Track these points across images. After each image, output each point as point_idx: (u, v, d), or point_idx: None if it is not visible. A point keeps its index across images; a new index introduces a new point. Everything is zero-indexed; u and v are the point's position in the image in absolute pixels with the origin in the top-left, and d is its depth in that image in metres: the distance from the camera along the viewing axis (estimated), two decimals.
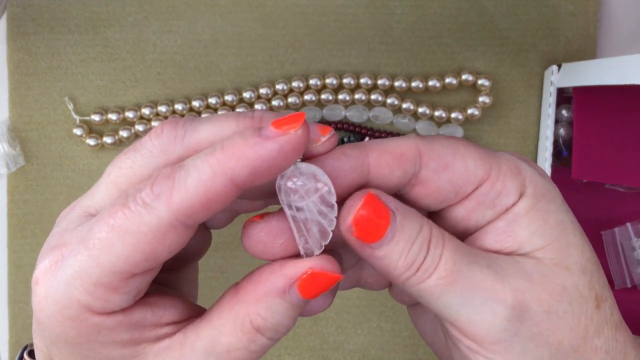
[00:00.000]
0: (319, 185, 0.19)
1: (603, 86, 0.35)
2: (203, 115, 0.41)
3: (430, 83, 0.41)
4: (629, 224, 0.41)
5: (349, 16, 0.42)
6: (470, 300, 0.20)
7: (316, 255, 0.20)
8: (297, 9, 0.42)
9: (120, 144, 0.42)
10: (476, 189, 0.21)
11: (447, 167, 0.21)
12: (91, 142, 0.41)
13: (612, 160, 0.39)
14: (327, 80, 0.41)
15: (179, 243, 0.19)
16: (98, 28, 0.41)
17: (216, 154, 0.18)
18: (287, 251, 0.21)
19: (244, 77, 0.42)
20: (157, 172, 0.19)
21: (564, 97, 0.42)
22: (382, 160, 0.21)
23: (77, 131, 0.41)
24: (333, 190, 0.20)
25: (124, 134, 0.41)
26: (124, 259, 0.18)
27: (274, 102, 0.42)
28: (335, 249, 0.23)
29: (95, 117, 0.41)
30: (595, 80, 0.35)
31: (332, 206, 0.20)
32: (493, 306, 0.20)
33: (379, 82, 0.41)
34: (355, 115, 0.42)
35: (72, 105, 0.41)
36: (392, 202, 0.20)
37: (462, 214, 0.21)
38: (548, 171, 0.40)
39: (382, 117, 0.42)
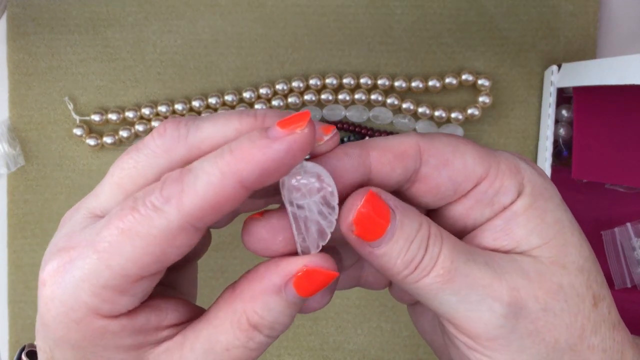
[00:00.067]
0: (323, 185, 0.20)
1: (603, 86, 0.34)
2: (203, 115, 0.41)
3: (430, 83, 0.41)
4: (629, 224, 0.41)
5: (349, 16, 0.42)
6: (467, 297, 0.20)
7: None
8: (297, 9, 0.42)
9: (121, 144, 0.42)
10: (475, 186, 0.21)
11: (446, 164, 0.21)
12: (91, 142, 0.41)
13: (612, 160, 0.39)
14: (327, 80, 0.41)
15: (188, 245, 0.19)
16: (98, 28, 0.41)
17: (225, 157, 0.18)
18: (287, 248, 0.21)
19: (244, 77, 0.42)
20: (165, 176, 0.19)
21: (564, 97, 0.42)
22: (383, 158, 0.21)
23: (77, 131, 0.41)
24: (336, 192, 0.20)
25: (124, 134, 0.41)
26: (134, 261, 0.18)
27: (274, 102, 0.42)
28: (335, 247, 0.23)
29: (95, 117, 0.41)
30: (595, 80, 0.35)
31: (333, 208, 0.20)
32: (490, 303, 0.20)
33: (379, 82, 0.41)
34: (355, 115, 0.42)
35: (72, 105, 0.42)
36: (392, 201, 0.20)
37: (461, 211, 0.21)
38: (548, 171, 0.40)
39: (382, 117, 0.42)
